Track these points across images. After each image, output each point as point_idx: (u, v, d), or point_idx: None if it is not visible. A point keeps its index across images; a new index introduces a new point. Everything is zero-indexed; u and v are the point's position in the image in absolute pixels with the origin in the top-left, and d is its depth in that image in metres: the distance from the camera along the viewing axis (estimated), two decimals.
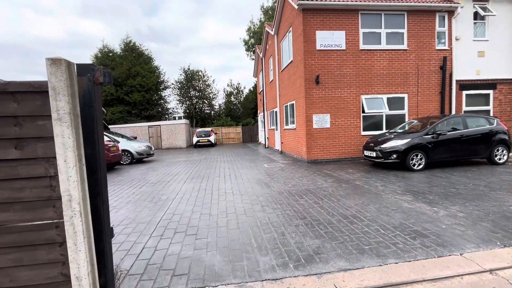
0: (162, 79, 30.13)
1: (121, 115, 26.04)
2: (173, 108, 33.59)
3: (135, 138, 15.07)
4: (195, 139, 21.21)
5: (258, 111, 23.38)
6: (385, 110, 9.80)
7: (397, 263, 2.65)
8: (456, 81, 10.23)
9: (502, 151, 7.63)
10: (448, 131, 7.36)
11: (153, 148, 13.27)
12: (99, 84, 1.85)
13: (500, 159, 7.62)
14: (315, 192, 5.42)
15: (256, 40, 30.24)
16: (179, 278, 2.53)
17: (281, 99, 13.45)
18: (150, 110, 28.04)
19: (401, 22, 9.78)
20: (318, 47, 9.37)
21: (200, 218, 4.15)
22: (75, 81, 1.70)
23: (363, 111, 9.76)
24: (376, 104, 9.80)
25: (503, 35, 10.47)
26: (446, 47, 10.08)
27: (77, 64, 1.73)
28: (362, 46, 9.60)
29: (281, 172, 8.02)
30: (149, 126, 23.07)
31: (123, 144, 11.86)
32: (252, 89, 32.59)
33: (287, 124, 12.52)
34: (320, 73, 9.45)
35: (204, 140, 21.08)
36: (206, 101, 32.92)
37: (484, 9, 10.10)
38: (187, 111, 32.69)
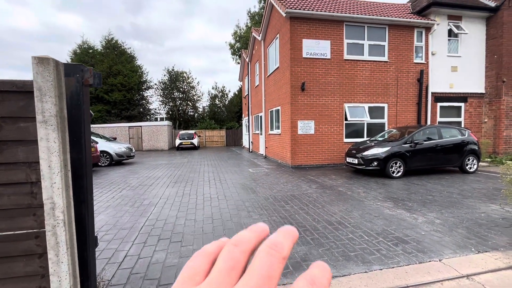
0: (144, 79, 29.35)
1: (100, 114, 25.00)
2: (156, 109, 32.79)
3: (115, 139, 14.51)
4: (177, 142, 20.77)
5: (243, 115, 23.39)
6: (367, 119, 10.16)
7: (381, 269, 2.72)
8: (432, 93, 10.84)
9: (473, 160, 8.15)
10: (425, 141, 7.75)
11: (133, 150, 12.84)
12: (88, 86, 1.77)
13: (470, 168, 8.13)
14: (300, 198, 5.48)
15: (242, 45, 30.38)
16: None
17: (266, 104, 13.55)
18: (131, 110, 27.16)
19: (383, 35, 10.24)
20: (304, 55, 9.57)
21: (185, 224, 4.05)
22: (63, 82, 1.61)
23: (346, 119, 10.06)
24: (358, 113, 10.14)
25: (474, 52, 11.27)
26: (423, 61, 10.67)
27: (65, 64, 1.64)
28: (346, 56, 9.93)
29: (266, 177, 8.04)
30: (129, 127, 22.32)
31: (102, 145, 11.37)
32: (237, 92, 32.61)
33: (272, 129, 12.62)
34: (306, 80, 9.64)
35: (187, 143, 20.71)
36: (190, 103, 32.43)
37: (458, 27, 10.83)
38: (170, 112, 32.03)
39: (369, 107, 10.27)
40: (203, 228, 3.90)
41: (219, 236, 3.59)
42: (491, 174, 8.00)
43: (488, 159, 10.54)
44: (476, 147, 8.17)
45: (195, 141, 21.02)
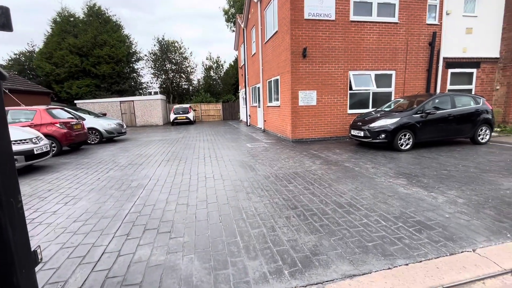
0: (134, 50, 27.61)
1: (88, 89, 23.79)
2: (148, 82, 31.37)
3: (105, 115, 13.73)
4: (172, 116, 19.98)
5: (240, 87, 22.34)
6: (373, 88, 9.43)
7: (407, 264, 2.28)
8: (443, 58, 10.00)
9: (486, 130, 7.63)
10: (437, 110, 7.15)
11: (125, 126, 12.16)
12: None
13: (483, 138, 7.64)
14: (304, 176, 5.00)
15: (237, 10, 28.26)
16: None
17: (264, 74, 12.63)
18: (121, 84, 25.85)
19: None
20: (306, 16, 8.56)
21: (176, 210, 3.58)
22: None
23: (351, 88, 9.32)
24: (364, 81, 9.38)
25: (493, 11, 10.23)
26: (436, 22, 9.68)
27: None
28: (352, 17, 8.92)
29: (265, 152, 7.53)
30: (121, 102, 21.35)
31: (90, 122, 10.67)
32: (232, 63, 31.01)
33: (270, 101, 11.87)
34: (308, 45, 8.73)
35: (182, 117, 19.93)
36: (183, 76, 30.94)
37: None
38: (163, 85, 30.66)
39: (376, 75, 9.49)
40: (196, 214, 3.42)
41: (214, 224, 3.12)
42: (504, 145, 7.53)
43: (498, 129, 10.04)
44: (490, 116, 7.60)
45: (191, 115, 20.23)
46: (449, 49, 9.99)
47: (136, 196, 4.20)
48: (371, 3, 9.01)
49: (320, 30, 8.77)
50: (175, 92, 30.52)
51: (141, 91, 30.17)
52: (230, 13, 30.88)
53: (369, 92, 9.58)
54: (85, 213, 3.58)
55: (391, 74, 9.66)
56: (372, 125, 7.24)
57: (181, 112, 20.09)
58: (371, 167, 5.49)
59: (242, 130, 14.28)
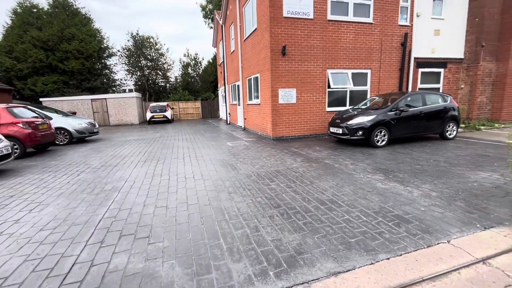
0: (106, 45, 26.21)
1: (55, 86, 22.23)
2: (122, 80, 29.98)
3: (74, 113, 12.91)
4: (149, 115, 19.25)
5: (219, 84, 22.04)
6: (350, 86, 9.68)
7: (388, 258, 2.34)
8: (414, 58, 10.50)
9: (453, 127, 8.12)
10: (410, 108, 7.49)
11: (97, 126, 11.49)
12: None
13: (450, 134, 8.13)
14: (285, 174, 5.00)
15: (215, 6, 27.80)
16: None
17: (244, 71, 12.53)
18: (92, 81, 24.46)
19: None
20: (285, 14, 8.57)
21: (155, 213, 3.41)
22: None
23: (329, 86, 9.51)
24: (341, 79, 9.61)
25: (458, 14, 10.90)
26: (408, 23, 10.12)
27: None
28: (330, 16, 9.07)
29: (246, 151, 7.46)
30: (92, 100, 20.19)
31: (58, 121, 9.95)
32: (211, 60, 30.52)
33: (250, 99, 11.80)
34: (287, 43, 8.76)
35: (159, 116, 19.28)
36: (160, 73, 29.93)
37: None
38: (139, 83, 29.46)
39: (352, 74, 9.75)
40: (176, 217, 3.28)
41: (195, 227, 3.01)
42: (469, 139, 8.06)
43: (463, 125, 10.75)
44: (456, 113, 8.11)
45: (168, 113, 19.62)
46: (419, 49, 10.51)
47: (111, 200, 3.96)
48: (348, 3, 9.22)
49: (299, 29, 8.83)
50: (151, 89, 29.48)
51: (114, 89, 28.79)
52: (208, 9, 30.31)
53: (346, 90, 9.83)
54: (53, 220, 3.30)
55: (367, 73, 9.98)
56: (350, 122, 7.43)
57: (158, 111, 19.42)
58: (350, 163, 5.63)
59: (222, 129, 14.09)
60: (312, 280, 2.09)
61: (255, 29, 10.07)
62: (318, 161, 5.94)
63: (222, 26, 16.35)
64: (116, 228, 3.04)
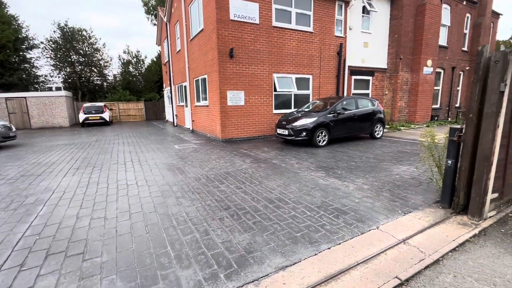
0: (25, 35, 22.45)
1: None
2: (47, 76, 26.06)
3: None
4: (82, 116, 17.14)
5: (164, 84, 20.93)
6: (294, 90, 10.28)
7: (329, 248, 2.56)
8: (348, 66, 11.72)
9: (380, 127, 9.32)
10: (345, 111, 8.32)
11: (14, 129, 9.74)
12: None
13: (378, 134, 9.31)
14: (235, 175, 5.04)
15: (158, 2, 26.37)
16: None
17: (191, 72, 12.18)
18: (7, 77, 20.68)
19: (308, 4, 10.15)
20: (231, 17, 8.64)
21: (91, 226, 3.06)
22: None
23: (275, 90, 9.92)
24: (286, 83, 10.13)
25: (381, 30, 12.56)
26: (342, 35, 11.25)
27: None
28: (274, 23, 9.49)
29: (195, 153, 7.26)
30: (6, 99, 17.05)
31: None
32: (155, 59, 28.83)
33: (198, 100, 11.54)
34: (234, 46, 8.85)
35: (95, 118, 17.34)
36: (95, 70, 26.96)
37: (370, 5, 11.70)
38: (69, 80, 26.01)
39: (296, 78, 10.37)
40: (117, 228, 3.01)
41: (139, 236, 2.81)
42: (392, 138, 9.35)
43: (387, 126, 12.40)
44: (382, 116, 9.32)
45: (106, 115, 17.81)
46: (352, 59, 11.77)
47: (33, 215, 3.41)
48: (290, 11, 9.79)
49: (246, 32, 9.01)
50: (84, 88, 26.34)
51: (37, 86, 24.86)
52: (150, 4, 28.58)
53: (291, 94, 10.41)
54: None
55: (309, 78, 10.74)
56: (295, 124, 7.88)
57: (93, 112, 17.45)
58: (296, 162, 5.98)
59: (169, 131, 13.43)
60: (262, 277, 2.16)
61: (202, 29, 9.91)
62: (267, 161, 6.14)
63: (166, 24, 15.61)
64: (41, 247, 2.63)
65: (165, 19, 15.46)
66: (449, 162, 3.29)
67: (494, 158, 2.95)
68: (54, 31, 24.50)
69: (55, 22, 26.08)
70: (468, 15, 15.39)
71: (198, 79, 11.16)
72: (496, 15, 17.19)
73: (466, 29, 15.59)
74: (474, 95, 2.98)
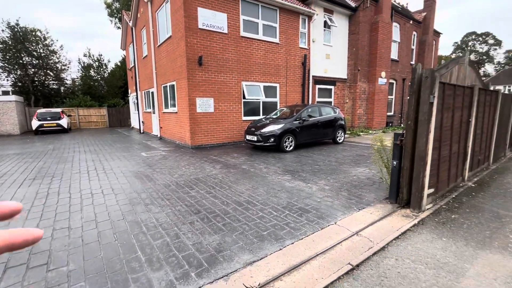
0: None
1: None
2: None
3: None
4: (35, 123, 15.76)
5: (129, 90, 20.14)
6: (262, 97, 10.66)
7: (293, 243, 2.81)
8: (312, 76, 12.47)
9: (341, 133, 10.05)
10: (310, 118, 8.86)
11: None
12: None
13: (340, 139, 10.02)
14: (205, 181, 5.14)
15: (123, 5, 25.50)
16: None
17: (158, 78, 11.99)
18: None
19: (274, 17, 10.70)
20: (200, 26, 8.80)
21: (53, 237, 2.97)
22: None
23: (244, 97, 10.21)
24: (255, 91, 10.48)
25: (341, 44, 13.59)
26: (306, 47, 11.99)
27: None
28: (242, 33, 9.84)
29: (164, 161, 7.19)
30: None
31: None
32: (119, 63, 27.60)
33: (167, 107, 11.38)
34: (203, 54, 8.99)
35: (51, 124, 16.05)
36: (51, 73, 24.99)
37: (330, 20, 12.66)
38: (19, 84, 23.74)
39: (264, 86, 10.78)
40: (83, 237, 2.96)
41: (108, 244, 2.80)
42: (352, 143, 10.13)
43: (348, 132, 13.36)
44: (343, 122, 10.07)
45: (64, 121, 16.59)
46: (315, 69, 12.56)
47: None
48: (258, 23, 10.23)
49: (215, 41, 9.21)
50: (38, 92, 24.23)
51: None
52: (114, 7, 27.49)
53: (260, 101, 10.78)
54: None
55: (276, 87, 11.22)
56: (263, 130, 8.20)
57: (49, 118, 16.16)
58: (264, 167, 6.25)
59: (135, 138, 12.97)
60: (231, 273, 2.32)
61: (170, 36, 9.89)
62: (236, 167, 6.32)
63: (132, 28, 15.19)
64: None
65: (130, 24, 15.05)
66: (394, 163, 3.78)
67: (428, 158, 3.49)
68: (3, 31, 22.33)
69: (4, 21, 23.75)
70: (414, 33, 17.33)
71: (167, 86, 11.04)
72: (437, 34, 19.58)
73: (413, 45, 17.51)
74: (411, 105, 3.51)
